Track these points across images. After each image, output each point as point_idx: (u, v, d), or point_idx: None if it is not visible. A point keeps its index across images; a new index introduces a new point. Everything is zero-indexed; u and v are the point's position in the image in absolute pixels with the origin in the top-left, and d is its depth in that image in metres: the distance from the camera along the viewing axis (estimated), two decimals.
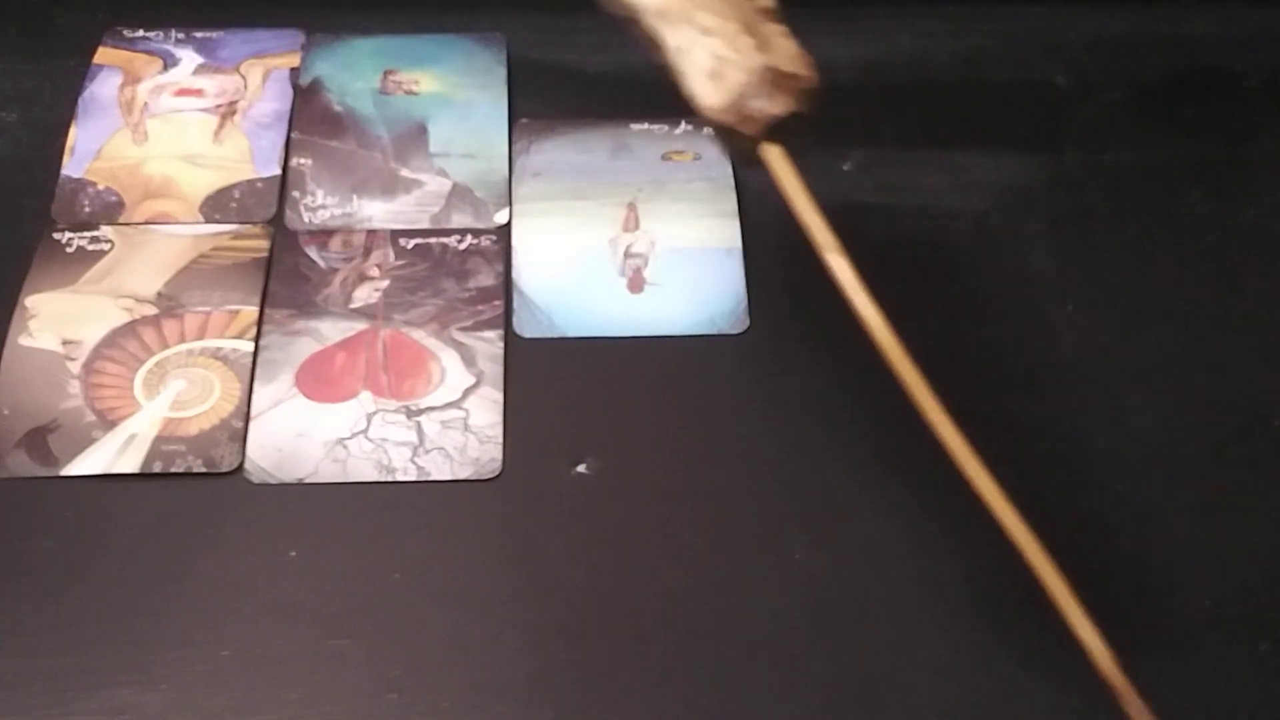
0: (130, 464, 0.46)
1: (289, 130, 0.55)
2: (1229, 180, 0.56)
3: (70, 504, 0.45)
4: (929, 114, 0.58)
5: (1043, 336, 0.50)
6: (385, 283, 0.51)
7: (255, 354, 0.49)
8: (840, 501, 0.46)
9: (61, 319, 0.49)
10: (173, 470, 0.46)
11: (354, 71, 0.58)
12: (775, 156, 0.39)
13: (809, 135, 0.41)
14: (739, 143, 0.39)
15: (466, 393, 0.48)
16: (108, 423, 0.47)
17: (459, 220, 0.53)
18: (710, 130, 0.40)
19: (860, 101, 0.58)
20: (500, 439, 0.47)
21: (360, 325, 0.50)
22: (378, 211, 0.53)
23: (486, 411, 0.47)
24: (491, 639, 0.42)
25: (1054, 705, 0.42)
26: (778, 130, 0.39)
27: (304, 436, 0.47)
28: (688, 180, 0.54)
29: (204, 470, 0.46)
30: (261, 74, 0.57)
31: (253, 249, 0.52)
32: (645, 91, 0.59)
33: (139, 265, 0.51)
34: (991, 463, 0.47)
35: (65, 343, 0.49)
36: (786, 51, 0.39)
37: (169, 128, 0.56)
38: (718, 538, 0.45)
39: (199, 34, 0.59)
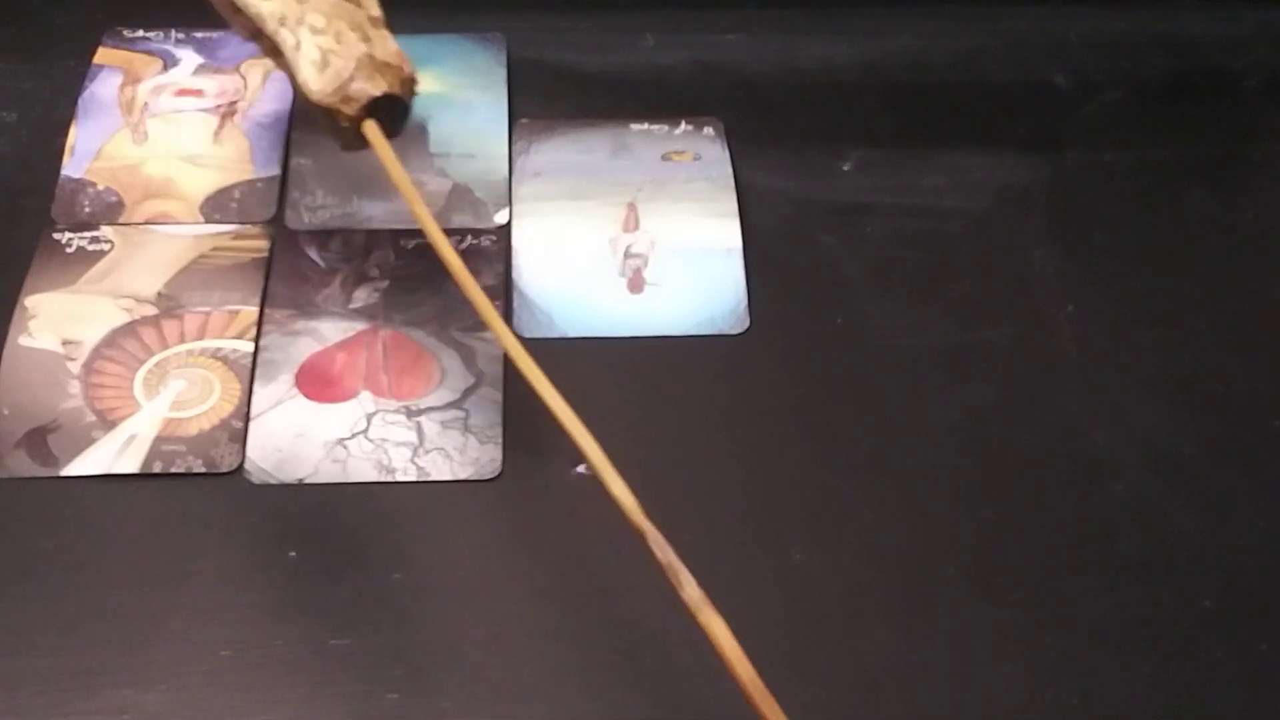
0: (130, 464, 0.46)
1: (289, 130, 0.55)
2: (1229, 180, 0.56)
3: (70, 504, 0.45)
4: (929, 114, 0.58)
5: (1043, 336, 0.50)
6: (385, 283, 0.51)
7: (255, 354, 0.49)
8: (840, 501, 0.46)
9: (61, 319, 0.49)
10: (173, 470, 0.46)
11: None
12: (373, 131, 0.45)
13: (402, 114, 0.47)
14: (342, 121, 0.45)
15: (466, 393, 0.48)
16: (108, 423, 0.47)
17: (459, 220, 0.53)
18: (317, 114, 0.46)
19: (860, 101, 0.58)
20: (500, 439, 0.47)
21: (360, 325, 0.50)
22: (378, 211, 0.53)
23: (486, 412, 0.47)
24: (491, 639, 0.42)
25: (1054, 705, 0.42)
26: (375, 109, 0.45)
27: (304, 437, 0.47)
28: (688, 180, 0.54)
29: (204, 470, 0.46)
30: (262, 74, 0.57)
31: (253, 249, 0.52)
32: (645, 91, 0.59)
33: (139, 265, 0.51)
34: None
35: (65, 343, 0.49)
36: (388, 47, 0.45)
37: (169, 128, 0.56)
38: (718, 538, 0.45)
39: (199, 34, 0.59)
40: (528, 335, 0.50)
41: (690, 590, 0.37)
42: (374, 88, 0.44)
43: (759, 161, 0.55)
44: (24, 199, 0.53)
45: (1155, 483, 0.46)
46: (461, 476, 0.46)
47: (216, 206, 0.53)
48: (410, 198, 0.44)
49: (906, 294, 0.52)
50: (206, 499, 0.45)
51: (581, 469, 0.46)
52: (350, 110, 0.45)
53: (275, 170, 0.54)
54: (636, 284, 0.51)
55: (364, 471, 0.46)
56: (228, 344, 0.49)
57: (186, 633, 0.42)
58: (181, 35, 0.59)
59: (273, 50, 0.46)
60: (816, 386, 0.49)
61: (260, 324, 0.50)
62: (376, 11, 0.46)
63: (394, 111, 0.46)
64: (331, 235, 0.52)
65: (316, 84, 0.44)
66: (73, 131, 0.55)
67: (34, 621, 0.43)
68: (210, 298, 0.50)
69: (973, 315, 0.51)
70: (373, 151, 0.45)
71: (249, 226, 0.53)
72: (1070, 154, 0.56)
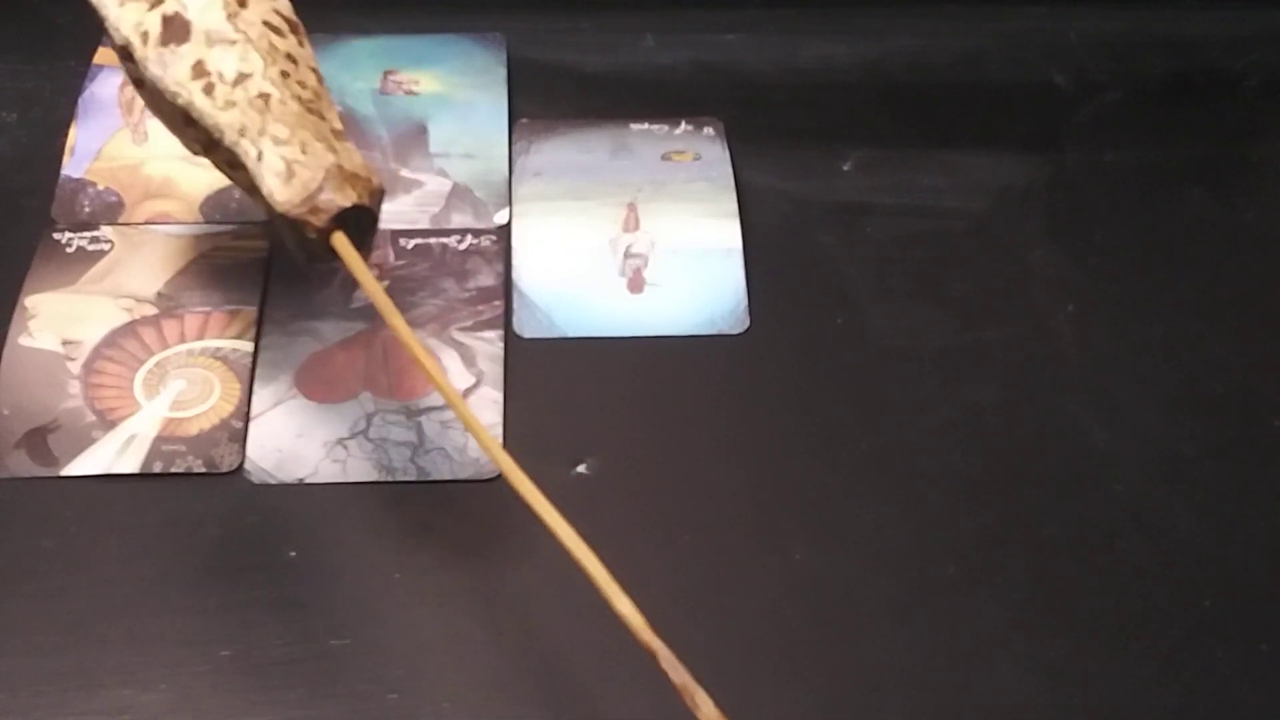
0: (130, 464, 0.46)
1: None
2: (1229, 180, 0.56)
3: (70, 504, 0.45)
4: (929, 114, 0.58)
5: (1043, 336, 0.50)
6: (385, 283, 0.51)
7: (255, 354, 0.49)
8: (840, 501, 0.46)
9: (61, 319, 0.49)
10: (173, 470, 0.46)
11: (354, 72, 0.58)
12: (342, 243, 0.43)
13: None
14: (309, 233, 0.43)
15: (466, 393, 0.48)
16: (108, 423, 0.47)
17: (459, 220, 0.53)
18: (280, 227, 0.44)
19: (860, 101, 0.58)
20: (500, 439, 0.47)
21: (360, 325, 0.50)
22: None
23: (486, 411, 0.47)
24: (491, 639, 0.42)
25: (1053, 705, 0.42)
26: (344, 221, 0.43)
27: (304, 436, 0.47)
28: (688, 180, 0.54)
29: (204, 470, 0.46)
30: None
31: (253, 249, 0.52)
32: (645, 91, 0.59)
33: (139, 265, 0.51)
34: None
35: (65, 343, 0.49)
36: (354, 159, 0.44)
37: None
38: (718, 538, 0.45)
39: None
40: (528, 335, 0.50)
41: (707, 710, 0.36)
42: (344, 199, 0.43)
43: (759, 161, 0.55)
44: (24, 199, 0.53)
45: (1155, 483, 0.46)
46: (461, 476, 0.46)
47: (216, 206, 0.53)
48: (387, 311, 0.42)
49: (906, 294, 0.52)
50: (206, 499, 0.45)
51: (582, 469, 0.46)
52: (319, 221, 0.43)
53: None
54: (636, 284, 0.51)
55: (364, 471, 0.46)
56: (228, 344, 0.49)
57: (186, 633, 0.42)
58: None
59: (230, 163, 0.45)
60: (816, 386, 0.49)
61: (260, 324, 0.50)
62: (339, 125, 0.45)
63: (362, 224, 0.44)
64: None
65: (283, 195, 0.43)
66: (73, 131, 0.55)
67: (34, 621, 0.43)
68: (210, 298, 0.50)
69: (973, 315, 0.51)
70: (341, 265, 0.44)
71: (249, 226, 0.53)
72: (1070, 154, 0.56)
